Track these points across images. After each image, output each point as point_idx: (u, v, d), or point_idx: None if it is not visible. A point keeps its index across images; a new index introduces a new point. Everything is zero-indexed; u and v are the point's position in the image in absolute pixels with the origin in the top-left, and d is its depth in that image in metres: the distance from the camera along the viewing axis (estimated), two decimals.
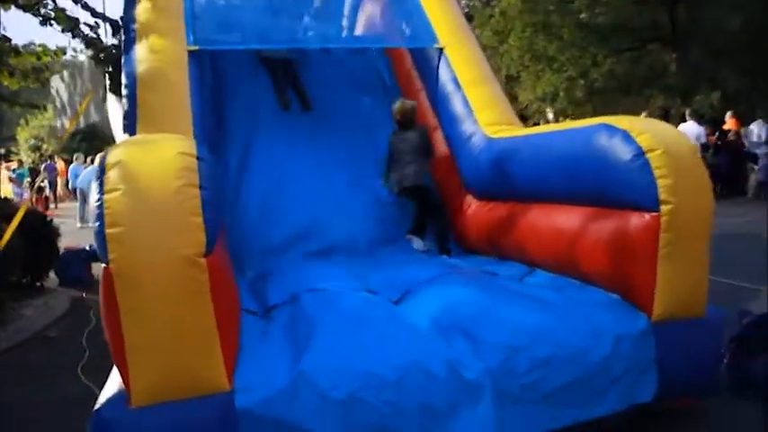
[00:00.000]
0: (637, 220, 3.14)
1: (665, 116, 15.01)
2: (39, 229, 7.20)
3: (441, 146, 5.48)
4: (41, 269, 7.50)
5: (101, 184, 2.43)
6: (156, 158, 2.57)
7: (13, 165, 24.35)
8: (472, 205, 5.04)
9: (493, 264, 4.44)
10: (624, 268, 3.23)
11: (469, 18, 22.37)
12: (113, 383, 2.60)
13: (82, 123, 26.70)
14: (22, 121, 31.74)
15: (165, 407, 2.44)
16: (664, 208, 3.02)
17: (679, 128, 13.03)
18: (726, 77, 19.35)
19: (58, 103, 30.74)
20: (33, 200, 12.48)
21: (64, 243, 8.09)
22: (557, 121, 20.63)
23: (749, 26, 17.91)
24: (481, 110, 5.03)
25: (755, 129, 12.97)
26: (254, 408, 2.51)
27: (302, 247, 4.96)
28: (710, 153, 13.27)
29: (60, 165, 22.65)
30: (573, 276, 3.68)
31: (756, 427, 3.34)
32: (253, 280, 4.35)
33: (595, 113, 17.12)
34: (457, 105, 5.21)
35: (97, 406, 2.51)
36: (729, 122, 14.33)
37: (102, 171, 2.48)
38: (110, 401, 2.49)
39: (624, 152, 3.21)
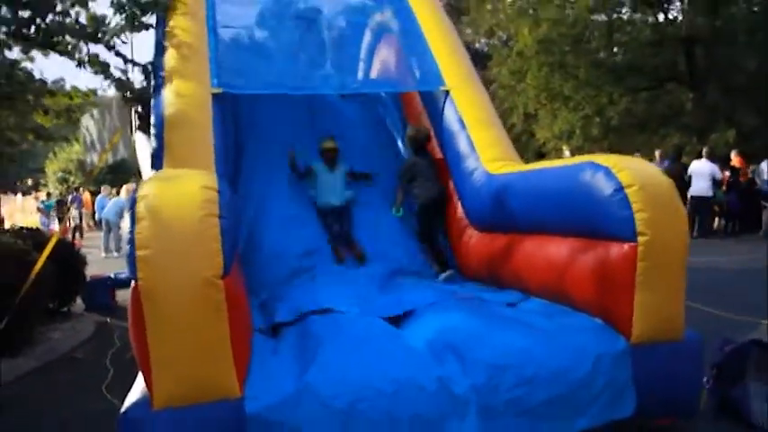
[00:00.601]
0: (617, 250, 3.39)
1: (680, 154, 15.12)
2: (67, 258, 7.51)
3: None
4: (69, 295, 7.81)
5: (133, 214, 2.75)
6: (182, 192, 2.89)
7: (42, 196, 25.09)
8: (474, 237, 5.31)
9: (491, 291, 4.69)
10: (606, 294, 3.47)
11: (488, 57, 22.85)
12: (138, 389, 2.89)
13: (110, 159, 27.46)
14: (50, 154, 32.63)
15: (183, 409, 2.72)
16: (640, 239, 3.26)
17: (692, 165, 13.19)
18: (742, 115, 19.49)
19: (87, 140, 31.58)
20: (62, 231, 12.99)
21: (90, 271, 8.45)
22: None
23: (766, 67, 18.07)
24: (484, 148, 5.31)
25: (765, 167, 13.01)
26: (261, 412, 2.78)
27: (314, 267, 5.28)
28: (722, 191, 13.38)
29: (86, 196, 23.20)
30: (563, 303, 3.91)
31: None
32: (265, 300, 4.63)
33: (612, 150, 17.34)
34: (461, 144, 5.50)
35: (123, 408, 2.80)
36: (735, 160, 14.45)
37: (133, 203, 2.81)
38: (135, 404, 2.78)
39: (606, 187, 3.46)
